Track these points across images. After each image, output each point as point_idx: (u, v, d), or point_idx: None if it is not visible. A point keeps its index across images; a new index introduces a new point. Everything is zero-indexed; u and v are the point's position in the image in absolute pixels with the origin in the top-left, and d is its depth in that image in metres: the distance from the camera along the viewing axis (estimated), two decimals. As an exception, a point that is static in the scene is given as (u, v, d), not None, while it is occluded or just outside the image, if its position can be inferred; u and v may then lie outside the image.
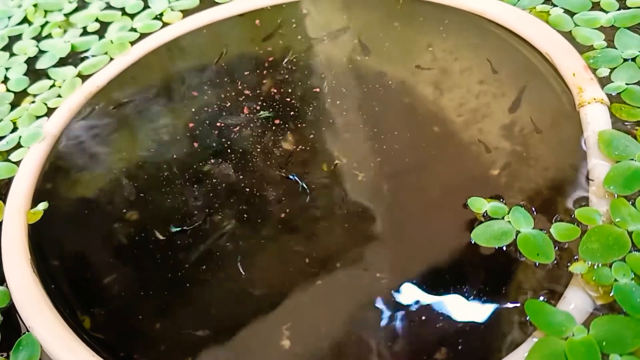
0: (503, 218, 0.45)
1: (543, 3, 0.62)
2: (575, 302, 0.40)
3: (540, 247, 0.43)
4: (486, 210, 0.46)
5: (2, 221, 0.55)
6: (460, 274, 0.44)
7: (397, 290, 0.44)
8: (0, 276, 0.51)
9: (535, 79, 0.56)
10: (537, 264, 0.43)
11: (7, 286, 0.50)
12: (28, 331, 0.47)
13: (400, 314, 0.43)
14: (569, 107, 0.53)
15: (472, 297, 0.43)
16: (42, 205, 0.56)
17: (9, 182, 0.58)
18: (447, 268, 0.45)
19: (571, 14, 0.60)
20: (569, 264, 0.42)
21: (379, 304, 0.44)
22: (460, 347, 0.41)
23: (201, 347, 0.45)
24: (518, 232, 0.44)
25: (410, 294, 0.44)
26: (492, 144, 0.51)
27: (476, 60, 0.59)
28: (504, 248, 0.44)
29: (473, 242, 0.45)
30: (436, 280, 0.44)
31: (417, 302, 0.43)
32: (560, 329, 0.39)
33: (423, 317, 0.42)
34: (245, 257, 0.48)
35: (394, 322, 0.43)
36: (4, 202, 0.57)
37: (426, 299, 0.43)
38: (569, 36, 0.58)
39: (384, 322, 0.43)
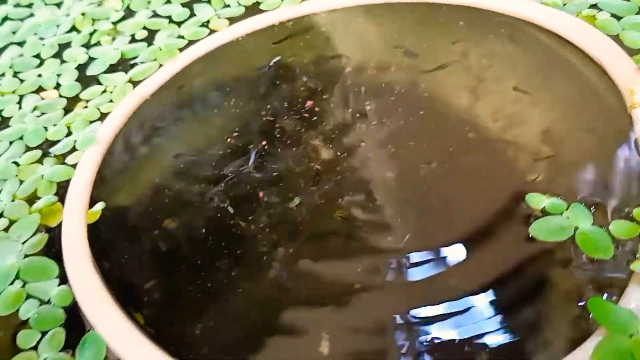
0: (561, 214, 0.46)
1: (589, 8, 0.62)
2: (637, 300, 0.40)
3: (599, 243, 0.43)
4: (544, 206, 0.47)
5: (61, 222, 0.56)
6: (516, 272, 0.45)
7: (454, 291, 0.44)
8: (62, 275, 0.52)
9: (584, 82, 0.57)
10: (595, 260, 0.43)
11: (69, 285, 0.51)
12: (92, 328, 0.48)
13: (454, 311, 0.43)
14: (619, 110, 0.53)
15: (530, 294, 0.43)
16: (100, 206, 0.57)
17: (66, 185, 0.60)
18: (502, 266, 0.45)
19: (618, 17, 0.60)
20: (629, 262, 0.42)
21: (428, 305, 0.44)
22: (519, 344, 0.41)
23: (240, 350, 0.45)
24: (576, 228, 0.45)
25: (466, 295, 0.44)
26: (546, 147, 0.52)
27: (522, 66, 0.60)
28: (561, 245, 0.44)
29: (530, 236, 0.45)
30: (492, 279, 0.45)
31: (470, 303, 0.44)
32: (624, 327, 0.39)
33: (478, 315, 0.43)
34: (287, 264, 0.49)
35: (447, 320, 0.43)
36: (63, 203, 0.58)
37: (481, 298, 0.44)
38: (616, 40, 0.58)
39: (433, 324, 0.43)
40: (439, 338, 0.42)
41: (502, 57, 0.61)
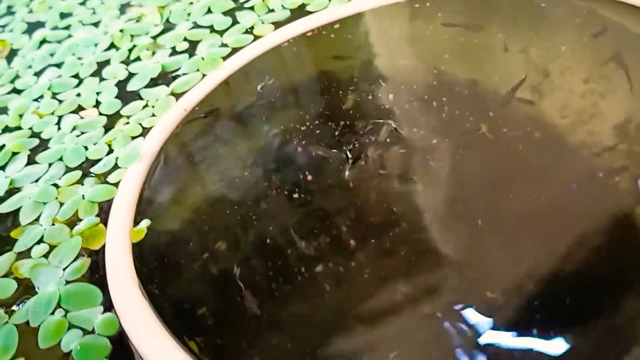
0: None
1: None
2: None
3: None
4: None
5: (104, 245, 0.52)
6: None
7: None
8: (107, 302, 0.47)
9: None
10: None
11: (115, 312, 0.46)
12: (141, 359, 0.42)
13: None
14: None
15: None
16: (145, 223, 0.52)
17: (108, 205, 0.55)
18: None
19: None
20: None
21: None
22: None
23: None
24: None
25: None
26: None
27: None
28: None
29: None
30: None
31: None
32: None
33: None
34: (340, 284, 0.43)
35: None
36: (105, 225, 0.53)
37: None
38: None
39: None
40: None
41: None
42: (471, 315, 0.39)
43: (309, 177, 0.52)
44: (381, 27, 0.66)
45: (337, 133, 0.55)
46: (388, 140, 0.53)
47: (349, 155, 0.52)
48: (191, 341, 0.43)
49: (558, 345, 0.36)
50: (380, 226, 0.46)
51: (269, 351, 0.42)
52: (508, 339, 0.37)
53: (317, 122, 0.57)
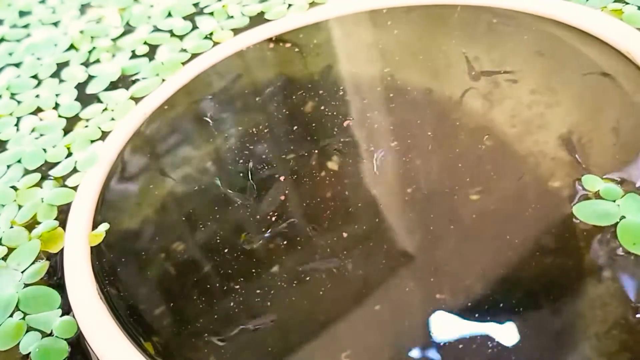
0: (614, 201, 0.43)
1: (614, 2, 0.59)
2: None
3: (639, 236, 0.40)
4: (599, 190, 0.44)
5: (63, 248, 0.53)
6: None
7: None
8: (66, 305, 0.48)
9: (613, 78, 0.53)
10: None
11: (73, 315, 0.47)
12: (100, 362, 0.44)
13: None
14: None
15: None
16: (103, 227, 0.53)
17: (67, 208, 0.56)
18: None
19: (645, 10, 0.57)
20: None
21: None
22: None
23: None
24: (623, 217, 0.42)
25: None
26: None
27: (549, 65, 0.56)
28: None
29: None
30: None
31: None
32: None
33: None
34: (301, 283, 0.45)
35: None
36: (64, 228, 0.54)
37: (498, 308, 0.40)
38: (646, 33, 0.55)
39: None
40: None
41: (521, 58, 0.58)
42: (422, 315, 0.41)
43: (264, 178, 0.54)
44: (340, 35, 0.68)
45: (291, 136, 0.57)
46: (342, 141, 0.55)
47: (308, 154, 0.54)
48: (148, 342, 0.45)
49: (506, 340, 0.39)
50: (334, 226, 0.48)
51: (226, 351, 0.43)
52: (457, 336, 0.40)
53: (274, 126, 0.59)
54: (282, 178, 0.53)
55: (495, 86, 0.56)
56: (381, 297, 0.43)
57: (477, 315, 0.40)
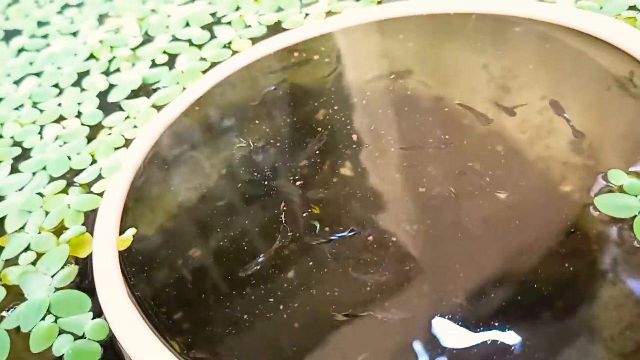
0: (636, 196, 0.45)
1: (628, 9, 0.60)
2: None
3: None
4: (623, 184, 0.46)
5: (91, 253, 0.54)
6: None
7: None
8: (96, 308, 0.50)
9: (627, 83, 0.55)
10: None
11: (104, 318, 0.48)
12: (133, 363, 0.45)
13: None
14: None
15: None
16: (131, 232, 0.55)
17: (93, 214, 0.57)
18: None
19: (659, 18, 0.59)
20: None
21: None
22: None
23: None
24: None
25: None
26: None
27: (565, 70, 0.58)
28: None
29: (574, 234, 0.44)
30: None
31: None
32: None
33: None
34: (311, 287, 0.47)
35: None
36: (91, 233, 0.56)
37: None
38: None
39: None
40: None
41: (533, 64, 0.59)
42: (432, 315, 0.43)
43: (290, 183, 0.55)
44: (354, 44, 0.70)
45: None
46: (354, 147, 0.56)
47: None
48: (177, 342, 0.46)
49: (513, 340, 0.40)
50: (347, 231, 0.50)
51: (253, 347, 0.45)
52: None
53: (289, 134, 0.61)
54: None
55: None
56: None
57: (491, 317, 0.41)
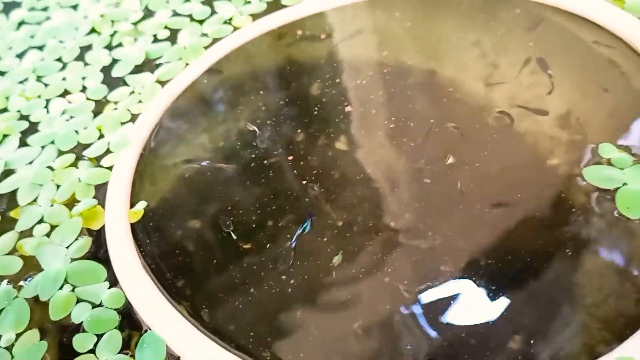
0: (622, 169, 0.48)
1: (617, -8, 0.62)
2: None
3: (634, 202, 0.46)
4: (611, 157, 0.50)
5: (103, 225, 0.56)
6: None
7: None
8: (111, 278, 0.52)
9: (614, 65, 0.57)
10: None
11: (120, 287, 0.51)
12: (148, 329, 0.48)
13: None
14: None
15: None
16: (142, 205, 0.57)
17: (103, 187, 0.60)
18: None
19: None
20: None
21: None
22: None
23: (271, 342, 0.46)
24: (625, 184, 0.48)
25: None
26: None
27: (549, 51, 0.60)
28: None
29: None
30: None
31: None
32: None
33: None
34: (309, 256, 0.50)
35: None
36: (103, 206, 0.58)
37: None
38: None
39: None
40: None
41: (529, 42, 0.62)
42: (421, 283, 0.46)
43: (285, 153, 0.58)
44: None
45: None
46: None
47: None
48: (189, 308, 0.49)
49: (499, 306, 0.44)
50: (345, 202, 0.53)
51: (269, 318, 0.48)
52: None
53: (288, 106, 0.63)
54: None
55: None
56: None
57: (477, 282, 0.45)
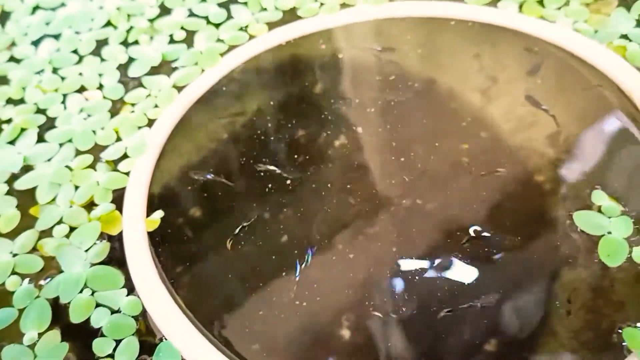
0: (609, 218, 0.53)
1: (620, 38, 0.66)
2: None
3: (614, 251, 0.51)
4: (601, 205, 0.54)
5: (121, 231, 0.59)
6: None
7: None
8: (129, 285, 0.56)
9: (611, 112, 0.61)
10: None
11: (137, 295, 0.55)
12: (163, 338, 0.51)
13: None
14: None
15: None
16: (159, 214, 0.60)
17: (120, 192, 0.62)
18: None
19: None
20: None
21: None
22: None
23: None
24: (609, 232, 0.52)
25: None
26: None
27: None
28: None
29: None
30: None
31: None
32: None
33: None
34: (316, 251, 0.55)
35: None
36: (120, 212, 0.61)
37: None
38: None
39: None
40: None
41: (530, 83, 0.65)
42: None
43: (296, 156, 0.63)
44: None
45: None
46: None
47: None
48: (208, 324, 0.53)
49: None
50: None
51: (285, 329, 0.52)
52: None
53: (297, 109, 0.67)
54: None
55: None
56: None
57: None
